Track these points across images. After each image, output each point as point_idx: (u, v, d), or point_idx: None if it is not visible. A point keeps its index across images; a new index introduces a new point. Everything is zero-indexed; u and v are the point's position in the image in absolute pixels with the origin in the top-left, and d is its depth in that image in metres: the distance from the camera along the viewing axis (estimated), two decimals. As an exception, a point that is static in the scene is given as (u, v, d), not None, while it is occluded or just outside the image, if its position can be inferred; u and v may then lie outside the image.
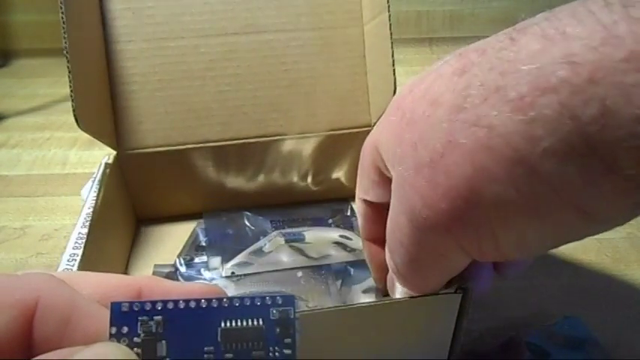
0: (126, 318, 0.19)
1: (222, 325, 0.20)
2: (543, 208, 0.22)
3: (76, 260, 0.39)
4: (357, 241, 0.50)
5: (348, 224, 0.53)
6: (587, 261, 0.51)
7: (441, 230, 0.26)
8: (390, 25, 0.47)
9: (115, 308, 0.19)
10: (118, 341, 0.19)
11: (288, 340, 0.20)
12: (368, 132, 0.52)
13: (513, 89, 0.21)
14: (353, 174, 0.54)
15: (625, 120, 0.18)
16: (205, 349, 0.20)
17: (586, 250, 0.52)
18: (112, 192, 0.47)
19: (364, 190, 0.35)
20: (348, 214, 0.55)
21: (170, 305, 0.20)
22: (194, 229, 0.53)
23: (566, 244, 0.25)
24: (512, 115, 0.21)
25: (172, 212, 0.55)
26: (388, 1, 0.47)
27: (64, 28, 0.41)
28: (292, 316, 0.21)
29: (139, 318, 0.20)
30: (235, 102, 0.51)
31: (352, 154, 0.54)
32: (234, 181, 0.54)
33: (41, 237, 0.56)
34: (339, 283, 0.46)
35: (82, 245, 0.40)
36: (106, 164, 0.48)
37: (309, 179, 0.55)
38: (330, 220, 0.54)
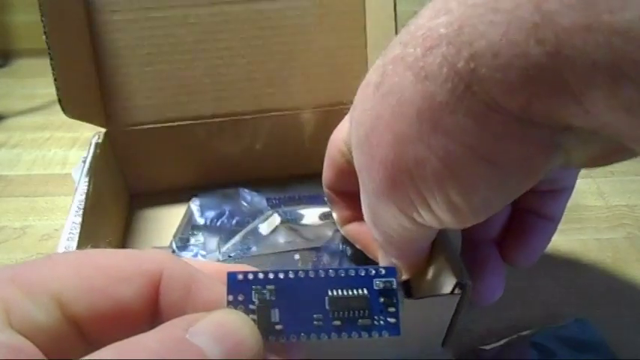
0: (241, 287, 0.21)
1: (330, 293, 0.21)
2: (453, 162, 0.23)
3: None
4: None
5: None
6: (588, 261, 0.51)
7: (383, 199, 0.27)
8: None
9: (232, 278, 0.21)
10: (235, 308, 0.21)
11: (392, 309, 0.21)
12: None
13: (411, 55, 0.23)
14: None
15: (487, 57, 0.20)
16: (314, 316, 0.21)
17: (586, 250, 0.52)
18: (103, 175, 0.45)
19: (332, 181, 0.38)
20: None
21: (281, 275, 0.21)
22: (188, 207, 0.51)
23: (501, 204, 0.26)
24: (412, 77, 0.23)
25: (166, 189, 0.54)
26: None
27: (41, 4, 0.39)
28: (394, 287, 0.22)
29: (253, 287, 0.21)
30: (229, 77, 0.49)
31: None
32: (229, 158, 0.52)
33: (41, 237, 0.55)
34: (336, 264, 0.45)
35: (77, 235, 0.38)
36: (97, 144, 0.46)
37: (306, 155, 0.53)
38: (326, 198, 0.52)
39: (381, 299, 0.21)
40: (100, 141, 0.47)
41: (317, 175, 0.52)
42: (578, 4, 0.17)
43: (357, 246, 0.42)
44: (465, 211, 0.25)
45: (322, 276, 0.21)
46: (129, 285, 0.20)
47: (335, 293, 0.21)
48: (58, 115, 0.80)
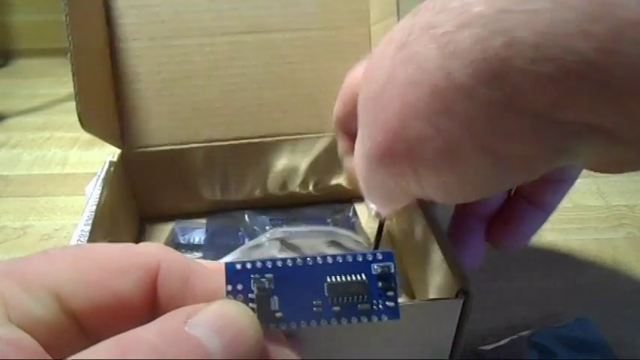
0: (240, 276, 0.21)
1: (329, 280, 0.21)
2: (456, 146, 0.22)
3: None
4: (353, 241, 0.50)
5: (349, 225, 0.53)
6: (587, 261, 0.51)
7: (376, 161, 0.27)
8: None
9: (230, 268, 0.21)
10: (234, 298, 0.20)
11: (390, 293, 0.21)
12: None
13: (441, 27, 0.21)
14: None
15: (525, 48, 0.18)
16: (314, 302, 0.21)
17: (586, 250, 0.53)
18: (115, 190, 0.47)
19: (341, 118, 0.37)
20: (350, 214, 0.55)
21: (279, 263, 0.21)
22: (172, 229, 0.53)
23: (493, 192, 0.26)
24: (437, 50, 0.21)
25: (176, 211, 0.55)
26: (398, 4, 0.47)
27: (67, 27, 0.40)
28: (392, 271, 0.21)
29: (252, 276, 0.21)
30: (240, 102, 0.51)
31: (357, 156, 0.54)
32: (238, 180, 0.54)
33: (41, 237, 0.56)
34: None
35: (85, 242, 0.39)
36: (111, 162, 0.48)
37: (313, 180, 0.55)
38: (329, 220, 0.54)
39: (380, 284, 0.21)
40: (114, 160, 0.48)
41: (322, 202, 0.55)
42: None
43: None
44: (455, 193, 0.25)
45: (320, 263, 0.21)
46: (126, 278, 0.20)
47: (333, 279, 0.21)
48: (58, 115, 0.83)
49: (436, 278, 0.39)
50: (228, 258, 0.47)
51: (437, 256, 0.38)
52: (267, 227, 0.52)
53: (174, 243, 0.51)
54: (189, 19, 0.50)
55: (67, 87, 0.88)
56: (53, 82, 0.93)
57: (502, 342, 0.42)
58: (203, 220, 0.54)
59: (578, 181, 0.35)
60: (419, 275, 0.43)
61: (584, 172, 0.60)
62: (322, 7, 0.51)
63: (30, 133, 0.77)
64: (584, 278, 0.49)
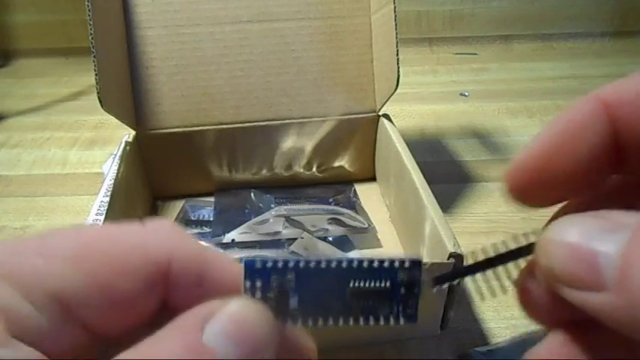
0: (259, 274, 0.21)
1: (352, 285, 0.21)
2: None
3: (98, 225, 0.43)
4: (352, 219, 0.56)
5: (349, 205, 0.60)
6: None
7: None
8: (396, 15, 0.53)
9: (249, 265, 0.21)
10: (252, 295, 0.21)
11: (412, 302, 0.22)
12: (373, 117, 0.60)
13: None
14: (357, 158, 0.63)
15: None
16: (334, 305, 0.21)
17: None
18: (131, 168, 0.53)
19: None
20: (351, 195, 0.62)
21: (302, 264, 0.21)
22: (183, 207, 0.60)
23: None
24: None
25: (186, 190, 0.62)
26: (395, -7, 0.53)
27: (89, 15, 0.47)
28: (419, 278, 0.22)
29: (272, 275, 0.21)
30: (247, 87, 0.58)
31: (357, 139, 0.61)
32: (245, 162, 0.61)
33: None
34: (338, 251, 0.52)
35: (104, 212, 0.45)
36: (126, 142, 0.54)
37: (316, 162, 0.62)
38: (331, 199, 0.60)
39: (403, 290, 0.22)
40: (129, 140, 0.55)
41: (324, 184, 0.62)
42: None
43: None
44: None
45: (344, 267, 0.21)
46: (135, 277, 0.19)
47: (357, 285, 0.21)
48: (58, 115, 0.90)
49: (429, 246, 0.44)
50: (235, 232, 0.53)
51: (429, 226, 0.43)
52: (272, 205, 0.58)
53: (184, 219, 0.58)
54: (200, 9, 0.57)
55: (67, 87, 0.96)
56: (53, 82, 0.99)
57: (502, 342, 0.44)
58: (212, 199, 0.61)
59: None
60: (413, 244, 0.49)
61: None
62: (325, -3, 0.58)
63: (30, 133, 0.81)
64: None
